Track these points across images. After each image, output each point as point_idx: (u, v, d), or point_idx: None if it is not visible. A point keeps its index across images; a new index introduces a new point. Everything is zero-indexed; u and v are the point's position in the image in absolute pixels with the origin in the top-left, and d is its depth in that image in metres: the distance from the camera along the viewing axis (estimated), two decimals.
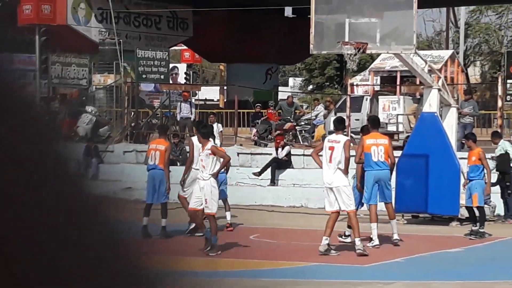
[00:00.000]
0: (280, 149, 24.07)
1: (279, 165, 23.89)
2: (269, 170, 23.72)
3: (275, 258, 14.15)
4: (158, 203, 16.90)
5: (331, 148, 14.65)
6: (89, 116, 29.23)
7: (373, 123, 17.01)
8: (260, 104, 33.73)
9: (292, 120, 30.05)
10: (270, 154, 24.46)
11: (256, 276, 12.68)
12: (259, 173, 23.76)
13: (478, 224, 16.96)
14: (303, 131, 30.03)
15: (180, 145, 25.03)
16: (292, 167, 24.18)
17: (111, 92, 32.79)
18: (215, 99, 53.55)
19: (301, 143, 28.31)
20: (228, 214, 17.74)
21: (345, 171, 14.88)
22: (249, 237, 16.71)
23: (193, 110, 30.80)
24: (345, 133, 20.02)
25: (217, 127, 24.47)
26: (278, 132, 25.98)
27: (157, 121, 30.11)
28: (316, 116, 32.15)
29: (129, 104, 30.69)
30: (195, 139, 17.02)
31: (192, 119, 29.78)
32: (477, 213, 17.18)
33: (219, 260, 14.31)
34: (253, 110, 34.43)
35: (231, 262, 14.11)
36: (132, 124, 30.04)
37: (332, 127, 28.10)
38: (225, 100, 47.01)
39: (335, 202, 14.69)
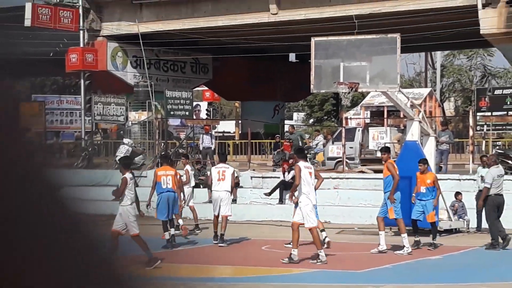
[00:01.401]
0: (286, 173, 24.04)
1: (286, 186, 23.80)
2: (277, 191, 23.69)
3: (283, 266, 14.09)
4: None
5: (311, 174, 14.56)
6: (126, 147, 29.26)
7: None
8: (279, 135, 33.54)
9: None
10: (278, 177, 24.42)
11: (267, 281, 12.63)
12: (269, 194, 23.73)
13: (432, 236, 16.72)
14: (312, 158, 29.86)
15: (202, 170, 25.02)
16: None
17: (144, 126, 32.89)
18: (232, 132, 53.47)
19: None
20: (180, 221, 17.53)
21: None
22: (261, 248, 16.66)
23: (213, 141, 30.87)
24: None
25: (189, 168, 21.00)
26: (286, 159, 25.90)
27: (183, 151, 30.10)
28: (317, 145, 32.10)
29: (159, 136, 30.79)
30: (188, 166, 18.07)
31: (212, 148, 29.83)
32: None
33: (236, 267, 14.26)
34: (263, 140, 34.46)
35: (246, 269, 14.06)
36: (162, 153, 30.06)
37: (330, 154, 28.17)
38: (240, 132, 46.99)
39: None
